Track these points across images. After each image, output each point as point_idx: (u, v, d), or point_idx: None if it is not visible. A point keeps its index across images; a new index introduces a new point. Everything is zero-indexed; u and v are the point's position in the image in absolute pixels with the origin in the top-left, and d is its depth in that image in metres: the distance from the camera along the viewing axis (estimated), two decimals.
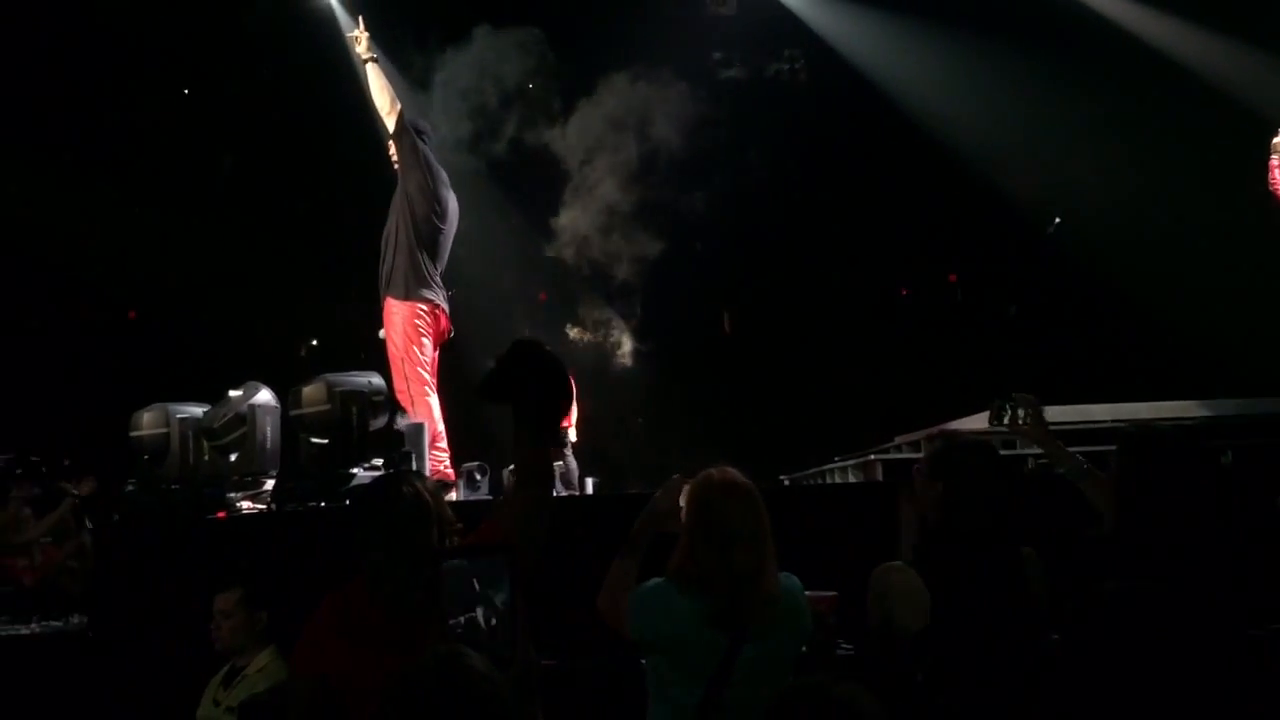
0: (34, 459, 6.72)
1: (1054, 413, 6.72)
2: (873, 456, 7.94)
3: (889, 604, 3.10)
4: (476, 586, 2.41)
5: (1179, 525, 2.73)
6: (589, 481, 10.67)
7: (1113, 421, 6.72)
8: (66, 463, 7.58)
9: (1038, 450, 3.58)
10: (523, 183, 12.60)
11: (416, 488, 2.69)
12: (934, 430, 5.93)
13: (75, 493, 6.49)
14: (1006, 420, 3.48)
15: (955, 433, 3.20)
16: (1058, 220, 10.02)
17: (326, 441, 5.62)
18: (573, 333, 14.06)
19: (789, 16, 12.27)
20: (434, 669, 1.95)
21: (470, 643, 2.35)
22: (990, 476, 3.03)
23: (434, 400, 6.38)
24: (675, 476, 3.17)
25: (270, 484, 5.81)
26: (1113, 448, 3.15)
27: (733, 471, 3.03)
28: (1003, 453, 4.76)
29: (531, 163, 12.36)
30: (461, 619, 2.39)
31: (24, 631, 5.11)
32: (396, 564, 2.58)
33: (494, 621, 2.40)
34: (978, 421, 7.16)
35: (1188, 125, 10.37)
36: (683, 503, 3.06)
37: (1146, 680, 2.53)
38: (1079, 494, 3.30)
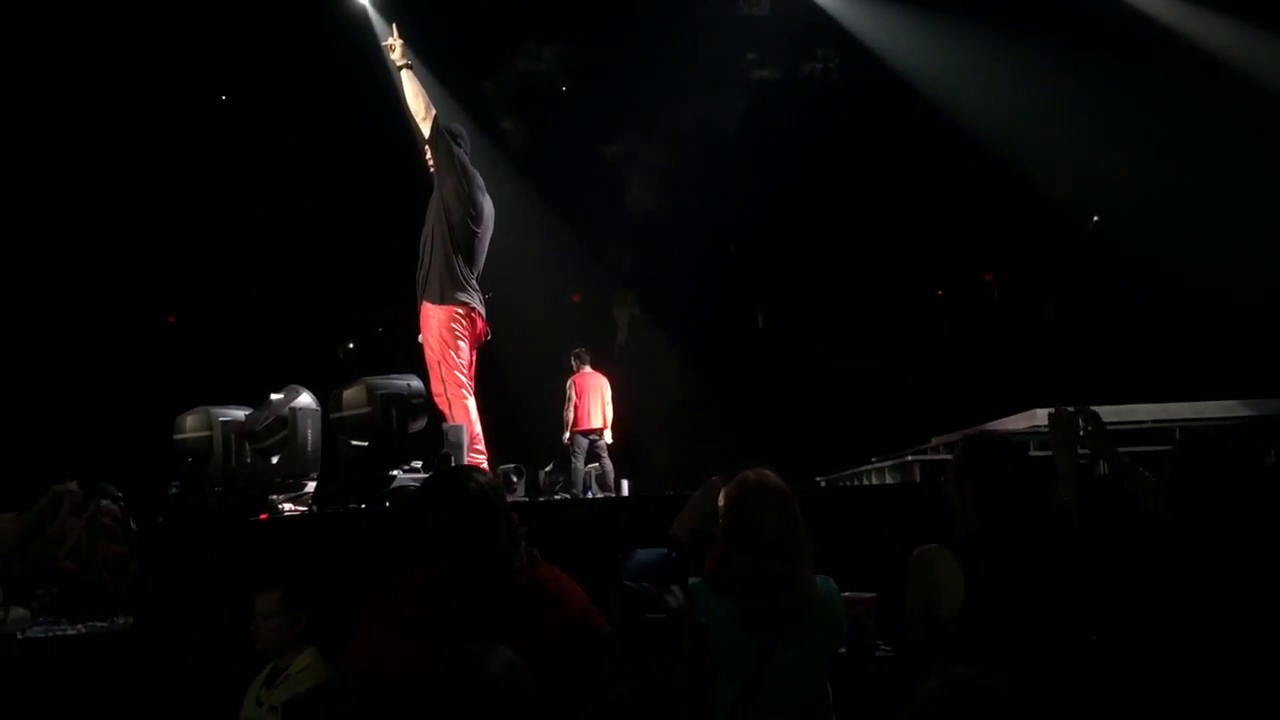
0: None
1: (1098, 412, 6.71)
2: (910, 457, 7.90)
3: (934, 590, 3.04)
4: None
5: (1230, 528, 2.70)
6: (625, 483, 10.71)
7: (1154, 421, 6.66)
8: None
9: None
10: (559, 184, 12.65)
11: (481, 483, 2.69)
12: (972, 431, 5.89)
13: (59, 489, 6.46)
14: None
15: (980, 433, 3.15)
16: (1096, 219, 9.91)
17: (367, 444, 5.67)
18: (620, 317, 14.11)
19: (822, 16, 12.22)
20: (451, 670, 1.96)
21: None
22: (1018, 474, 2.99)
23: (471, 403, 6.40)
24: (714, 478, 3.19)
25: (311, 486, 5.86)
26: (1156, 447, 3.12)
27: (769, 474, 3.03)
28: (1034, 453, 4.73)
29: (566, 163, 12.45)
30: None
31: (70, 632, 5.17)
32: (461, 556, 2.58)
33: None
34: (1015, 422, 7.14)
35: (1229, 122, 10.24)
36: (721, 504, 3.07)
37: (1195, 678, 2.52)
38: (1126, 495, 3.26)
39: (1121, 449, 3.51)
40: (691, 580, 3.02)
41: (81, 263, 12.04)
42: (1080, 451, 3.37)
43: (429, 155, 6.52)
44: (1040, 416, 6.48)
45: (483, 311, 6.51)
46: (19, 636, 4.95)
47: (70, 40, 11.01)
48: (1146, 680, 2.72)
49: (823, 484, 9.06)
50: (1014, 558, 2.87)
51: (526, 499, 6.69)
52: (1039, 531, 2.96)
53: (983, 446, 3.10)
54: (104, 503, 6.23)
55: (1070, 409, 3.44)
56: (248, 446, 6.01)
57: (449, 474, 2.85)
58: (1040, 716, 1.80)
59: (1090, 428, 3.37)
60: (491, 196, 6.69)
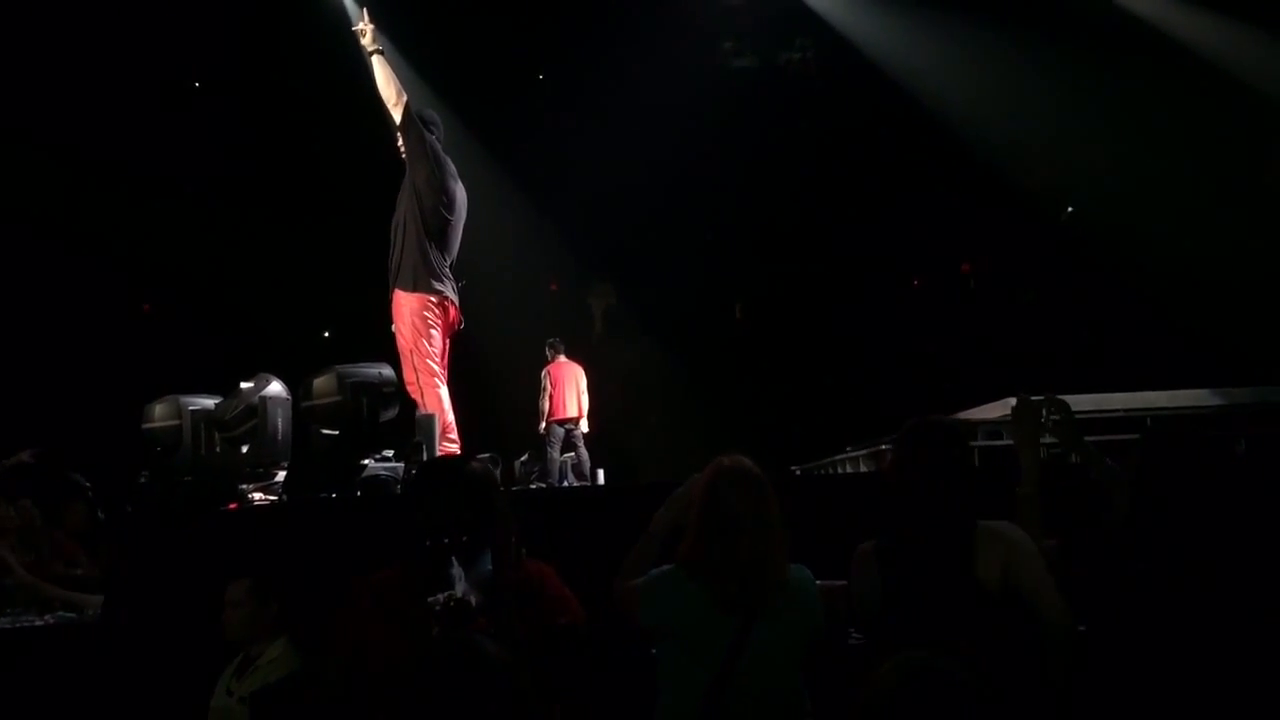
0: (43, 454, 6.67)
1: (1069, 401, 6.73)
2: (884, 447, 7.91)
3: (859, 591, 3.02)
4: (456, 565, 2.42)
5: (1199, 517, 2.70)
6: (600, 473, 10.71)
7: (1127, 410, 6.69)
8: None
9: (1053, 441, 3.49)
10: (535, 172, 12.60)
11: (476, 472, 2.68)
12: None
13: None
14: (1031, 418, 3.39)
15: (918, 418, 3.07)
16: (1071, 209, 9.96)
17: (337, 432, 5.63)
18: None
19: (800, 5, 12.20)
20: (448, 652, 1.94)
21: (451, 621, 2.36)
22: (954, 460, 2.93)
23: (444, 392, 6.36)
24: (696, 476, 3.18)
25: (281, 475, 5.82)
26: (1128, 436, 3.11)
27: (744, 459, 3.03)
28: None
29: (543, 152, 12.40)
30: (441, 597, 2.40)
31: (36, 623, 5.11)
32: (453, 540, 2.55)
33: (473, 599, 2.41)
34: (989, 411, 7.16)
35: (1201, 113, 10.31)
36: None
37: (1168, 669, 2.52)
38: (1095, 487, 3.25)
39: (1094, 438, 3.50)
40: (664, 567, 3.02)
41: (58, 250, 11.94)
42: (1047, 441, 3.36)
43: (401, 142, 6.47)
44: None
45: (456, 300, 6.47)
46: None
47: (42, 28, 10.88)
48: (1112, 671, 2.72)
49: (798, 473, 9.08)
50: (927, 549, 2.85)
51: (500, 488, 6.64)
52: (959, 520, 2.91)
53: (913, 431, 3.02)
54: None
55: (1037, 398, 3.43)
56: (217, 435, 5.96)
57: (443, 462, 2.85)
58: (994, 699, 1.80)
59: (1057, 417, 3.36)
60: (465, 183, 6.64)
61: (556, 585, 2.74)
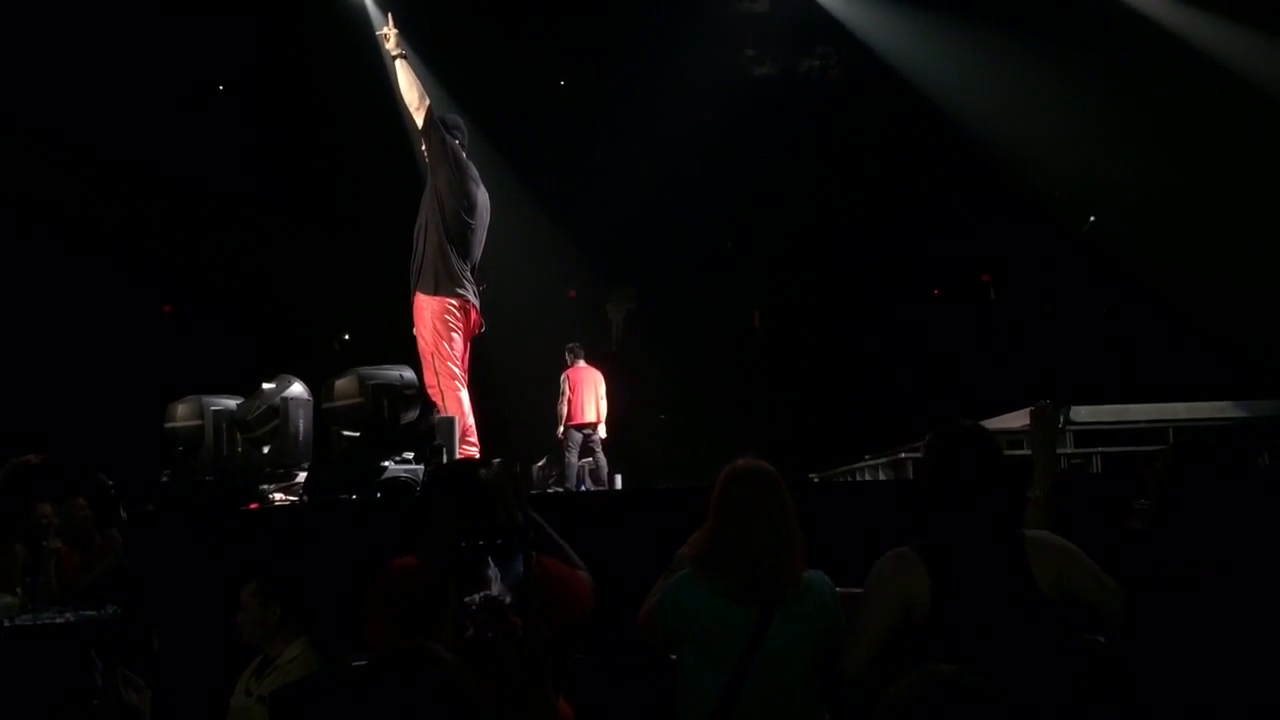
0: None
1: (1090, 412, 6.70)
2: (903, 455, 7.89)
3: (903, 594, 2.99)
4: (491, 565, 2.46)
5: (1221, 529, 2.69)
6: (618, 478, 10.71)
7: (1149, 421, 6.65)
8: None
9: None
10: (555, 179, 12.63)
11: (494, 471, 2.73)
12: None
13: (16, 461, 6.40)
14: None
15: (949, 424, 3.05)
16: (1093, 219, 9.91)
17: (358, 434, 5.65)
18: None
19: (822, 13, 12.21)
20: (403, 661, 1.93)
21: (482, 622, 2.39)
22: (989, 466, 2.92)
23: (464, 395, 6.39)
24: None
25: (302, 476, 5.85)
26: (1151, 447, 3.10)
27: (758, 460, 3.04)
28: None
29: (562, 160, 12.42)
30: (476, 597, 2.43)
31: (58, 620, 5.15)
32: (468, 542, 2.58)
33: (508, 599, 2.45)
34: (1009, 421, 7.13)
35: (1225, 122, 10.25)
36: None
37: (1192, 680, 2.51)
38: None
39: (1115, 449, 3.51)
40: (678, 574, 3.02)
41: (79, 251, 12.02)
42: (1067, 451, 3.36)
43: (423, 145, 6.51)
44: None
45: (477, 304, 6.50)
46: (6, 624, 4.93)
47: (67, 32, 10.98)
48: (1136, 683, 2.70)
49: (816, 480, 9.05)
50: (980, 555, 2.84)
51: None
52: (1007, 527, 2.90)
53: (949, 438, 3.01)
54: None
55: (1051, 404, 3.49)
56: (239, 436, 5.99)
57: (452, 466, 2.89)
58: (1024, 716, 1.78)
59: (1063, 424, 3.40)
60: (488, 189, 6.67)
61: (559, 570, 2.80)
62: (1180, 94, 10.48)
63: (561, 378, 11.13)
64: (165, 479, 6.13)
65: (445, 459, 5.68)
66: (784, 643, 2.90)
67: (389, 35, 6.50)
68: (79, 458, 6.74)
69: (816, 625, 2.97)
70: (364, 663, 1.90)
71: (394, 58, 6.49)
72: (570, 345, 11.31)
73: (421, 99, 6.41)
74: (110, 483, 6.37)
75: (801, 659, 2.94)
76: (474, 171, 6.58)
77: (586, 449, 11.04)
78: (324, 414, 5.82)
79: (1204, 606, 2.61)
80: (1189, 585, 2.63)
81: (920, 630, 2.80)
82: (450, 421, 6.00)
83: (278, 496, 5.78)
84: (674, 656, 3.07)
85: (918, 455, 7.69)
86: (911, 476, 7.23)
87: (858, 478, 8.86)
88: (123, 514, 6.18)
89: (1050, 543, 2.88)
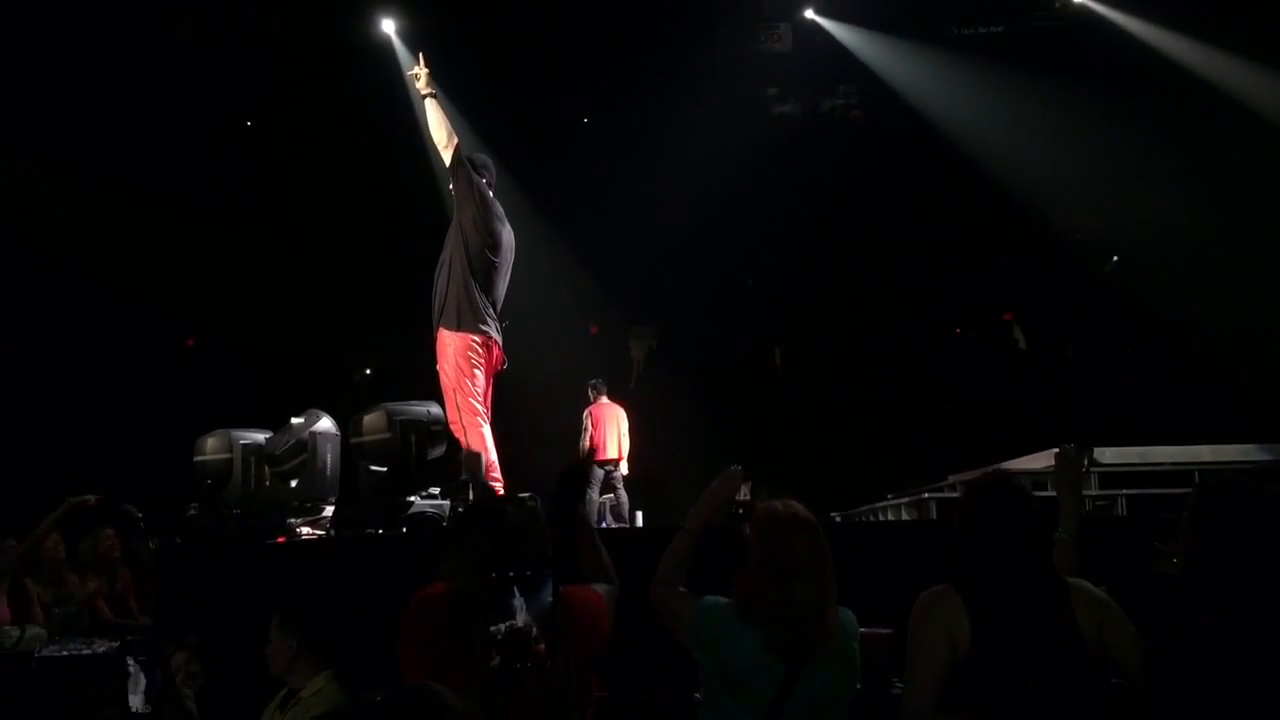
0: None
1: (1114, 454, 6.67)
2: (926, 495, 7.87)
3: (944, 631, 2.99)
4: (518, 595, 2.50)
5: (1250, 571, 2.69)
6: (639, 515, 10.70)
7: (1173, 464, 6.62)
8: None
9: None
10: (578, 216, 12.73)
11: (527, 508, 2.78)
12: (988, 470, 5.88)
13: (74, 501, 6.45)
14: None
15: (988, 474, 3.10)
16: (1116, 259, 9.91)
17: (386, 469, 5.70)
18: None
19: (844, 53, 12.30)
20: (405, 702, 1.94)
21: (508, 651, 2.43)
22: (1025, 513, 2.94)
23: (487, 430, 6.41)
24: (734, 467, 3.21)
25: (330, 510, 5.89)
26: (1175, 490, 3.11)
27: (797, 505, 3.04)
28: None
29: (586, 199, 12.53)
30: (502, 627, 2.47)
31: (85, 652, 5.20)
32: (518, 573, 2.63)
33: (534, 630, 2.48)
34: (1031, 461, 7.11)
35: (1249, 164, 10.25)
36: (740, 497, 3.13)
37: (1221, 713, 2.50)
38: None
39: (1139, 491, 3.51)
40: (721, 600, 3.03)
41: (104, 286, 12.15)
42: (1092, 494, 3.37)
43: (450, 183, 6.59)
44: None
45: (500, 340, 6.54)
46: (35, 655, 4.98)
47: (96, 68, 11.17)
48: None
49: (838, 519, 9.03)
50: (1024, 600, 2.85)
51: None
52: (1043, 570, 2.92)
53: (990, 488, 3.02)
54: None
55: (1075, 448, 3.51)
56: (267, 470, 6.05)
57: (484, 500, 2.94)
58: None
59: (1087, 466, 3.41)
60: (513, 227, 6.74)
61: (581, 598, 2.82)
62: (1204, 135, 10.50)
63: (584, 414, 11.15)
64: (193, 511, 6.19)
65: (471, 494, 5.71)
66: (815, 692, 2.91)
67: (420, 75, 6.60)
68: (108, 489, 6.80)
69: (846, 674, 2.99)
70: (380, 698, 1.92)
71: (424, 96, 6.58)
72: (593, 381, 11.33)
73: (450, 137, 6.50)
74: (139, 514, 6.44)
75: (832, 705, 2.96)
76: (500, 209, 6.64)
77: (608, 485, 11.03)
78: (352, 449, 5.86)
79: (1231, 657, 2.61)
80: (1218, 635, 2.63)
81: (960, 669, 2.81)
82: (477, 456, 6.03)
83: (305, 530, 5.82)
84: (698, 695, 3.08)
85: (940, 495, 7.70)
86: (935, 516, 7.22)
87: (880, 517, 8.82)
88: (151, 545, 6.24)
89: (1093, 594, 2.90)
